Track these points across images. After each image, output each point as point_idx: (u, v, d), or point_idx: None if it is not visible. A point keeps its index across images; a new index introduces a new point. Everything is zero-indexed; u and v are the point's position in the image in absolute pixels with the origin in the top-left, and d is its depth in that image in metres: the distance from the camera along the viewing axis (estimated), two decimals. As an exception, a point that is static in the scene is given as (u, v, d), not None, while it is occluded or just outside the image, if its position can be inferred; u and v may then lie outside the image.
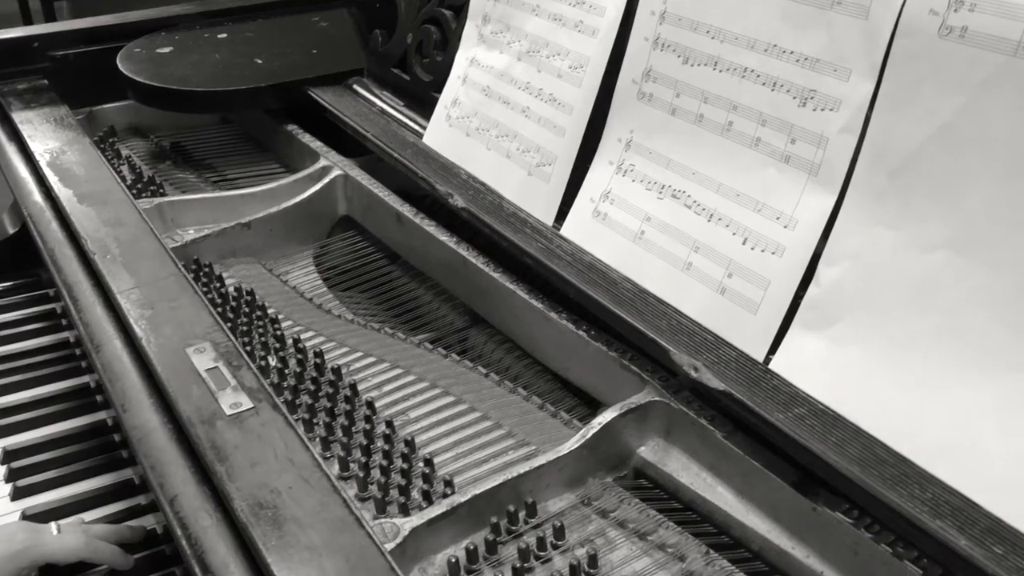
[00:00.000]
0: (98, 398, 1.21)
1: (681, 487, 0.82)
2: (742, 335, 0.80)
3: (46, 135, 1.23)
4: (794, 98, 0.80)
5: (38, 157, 1.17)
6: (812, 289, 0.77)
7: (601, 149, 0.96)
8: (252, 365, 0.80)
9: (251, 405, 0.76)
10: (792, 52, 0.80)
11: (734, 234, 0.83)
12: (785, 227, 0.79)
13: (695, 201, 0.86)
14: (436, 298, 1.13)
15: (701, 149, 0.87)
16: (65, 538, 0.93)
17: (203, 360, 0.81)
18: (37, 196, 1.14)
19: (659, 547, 0.77)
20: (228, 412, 0.75)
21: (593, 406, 0.95)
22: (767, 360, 0.79)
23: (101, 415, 1.19)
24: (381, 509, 0.80)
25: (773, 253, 0.80)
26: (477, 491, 0.77)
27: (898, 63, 0.72)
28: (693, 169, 0.87)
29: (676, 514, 0.80)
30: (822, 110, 0.77)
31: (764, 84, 0.82)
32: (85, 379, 1.25)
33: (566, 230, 0.97)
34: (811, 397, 0.74)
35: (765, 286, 0.80)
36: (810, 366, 0.75)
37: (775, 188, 0.80)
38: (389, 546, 0.71)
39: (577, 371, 0.94)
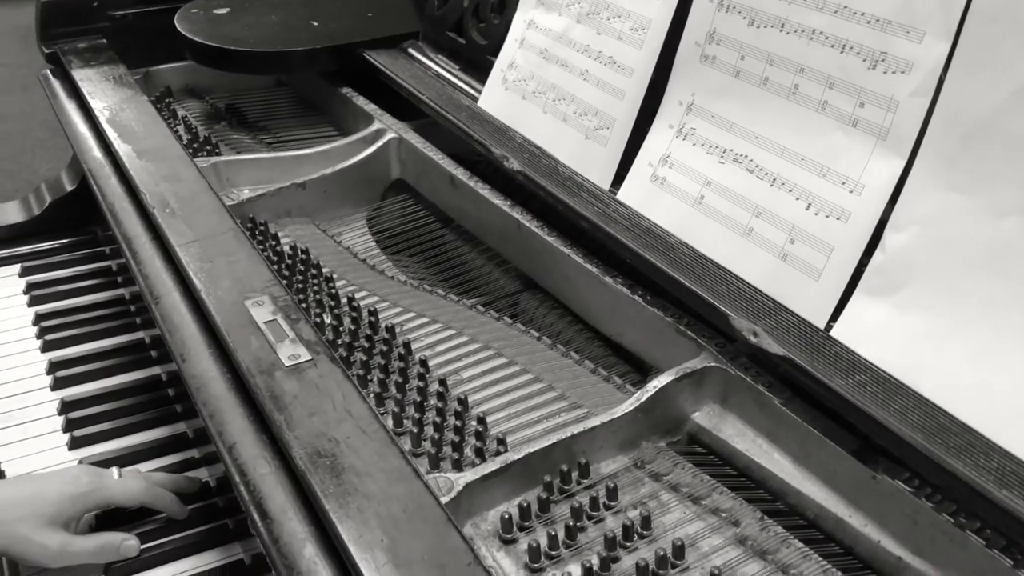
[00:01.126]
0: (152, 353, 1.23)
1: (736, 453, 0.81)
2: (803, 302, 0.79)
3: (105, 92, 1.25)
4: (864, 60, 0.78)
5: (97, 114, 1.19)
6: (877, 255, 0.75)
7: (661, 112, 0.95)
8: (309, 319, 0.81)
9: (309, 357, 0.76)
10: (863, 13, 0.78)
11: (797, 199, 0.81)
12: (851, 192, 0.78)
13: (757, 166, 0.85)
14: (488, 262, 1.13)
15: (765, 113, 0.85)
16: (127, 482, 0.95)
17: (262, 313, 0.81)
18: (97, 152, 1.15)
19: (712, 512, 0.76)
20: (287, 363, 0.76)
21: (644, 373, 0.94)
22: (828, 327, 0.78)
23: (155, 370, 1.21)
24: (434, 465, 0.81)
25: (838, 219, 0.78)
26: (531, 450, 0.77)
27: (976, 24, 0.70)
28: (756, 133, 0.86)
29: (730, 480, 0.80)
30: (893, 73, 0.76)
31: (833, 46, 0.80)
32: (140, 335, 1.27)
33: (623, 194, 0.96)
34: (873, 364, 0.73)
35: (828, 252, 0.78)
36: (873, 333, 0.74)
37: (841, 152, 0.79)
38: (443, 500, 0.71)
39: (631, 336, 0.93)
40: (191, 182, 1.03)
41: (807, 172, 0.81)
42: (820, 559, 0.72)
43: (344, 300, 1.01)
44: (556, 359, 0.94)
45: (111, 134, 1.13)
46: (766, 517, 0.75)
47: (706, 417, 0.84)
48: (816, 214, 0.80)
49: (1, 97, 4.37)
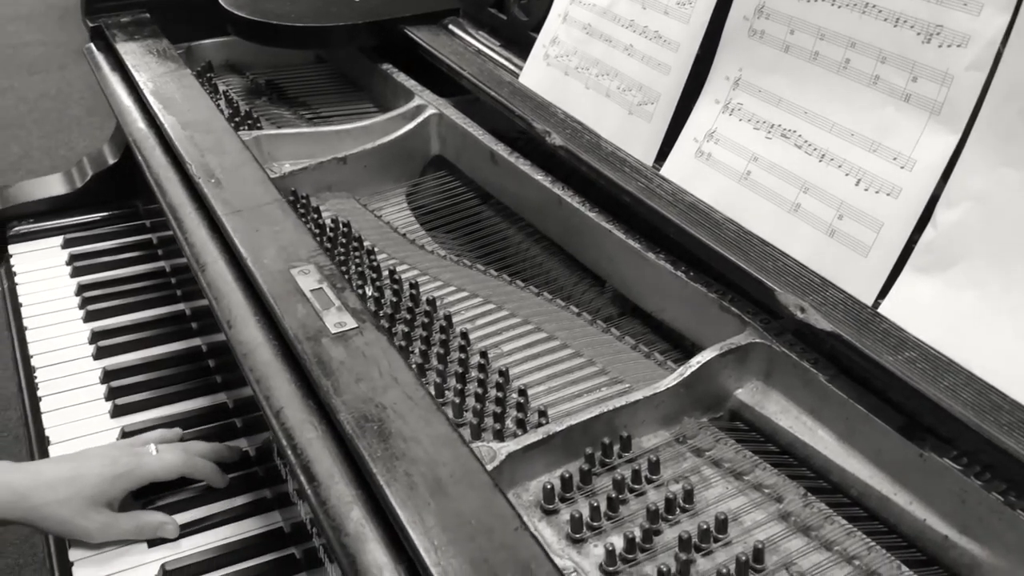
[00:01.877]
0: (193, 325, 1.24)
1: (779, 430, 0.80)
2: (851, 278, 0.78)
3: (149, 65, 1.26)
4: (918, 34, 0.77)
5: (141, 86, 1.19)
6: (928, 232, 0.74)
7: (707, 87, 0.94)
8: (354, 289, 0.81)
9: (355, 325, 0.77)
10: (918, -13, 0.77)
11: (847, 175, 0.80)
12: (902, 168, 0.77)
13: (806, 141, 0.84)
14: (527, 239, 1.13)
15: (814, 87, 0.84)
16: (165, 457, 0.96)
17: (307, 281, 0.82)
18: (141, 123, 1.16)
19: (755, 487, 0.76)
20: (333, 331, 0.76)
21: (683, 351, 0.94)
22: (876, 304, 0.77)
23: (195, 341, 1.22)
24: (476, 435, 0.81)
25: (888, 194, 0.77)
26: (573, 422, 0.77)
27: (1036, -3, 0.69)
28: (805, 108, 0.85)
29: (772, 457, 0.79)
30: (948, 46, 0.74)
31: (886, 20, 0.79)
32: (180, 307, 1.28)
33: (667, 170, 0.96)
34: (922, 342, 0.72)
35: (878, 228, 0.77)
36: (923, 310, 0.73)
37: (893, 127, 0.78)
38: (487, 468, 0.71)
39: (673, 313, 0.93)
40: (235, 154, 1.03)
41: (857, 147, 0.80)
42: (864, 536, 0.71)
43: (385, 273, 1.02)
44: (596, 335, 0.94)
45: (155, 106, 1.14)
46: (809, 494, 0.75)
47: (749, 394, 0.83)
48: (866, 190, 0.79)
49: (39, 76, 4.42)
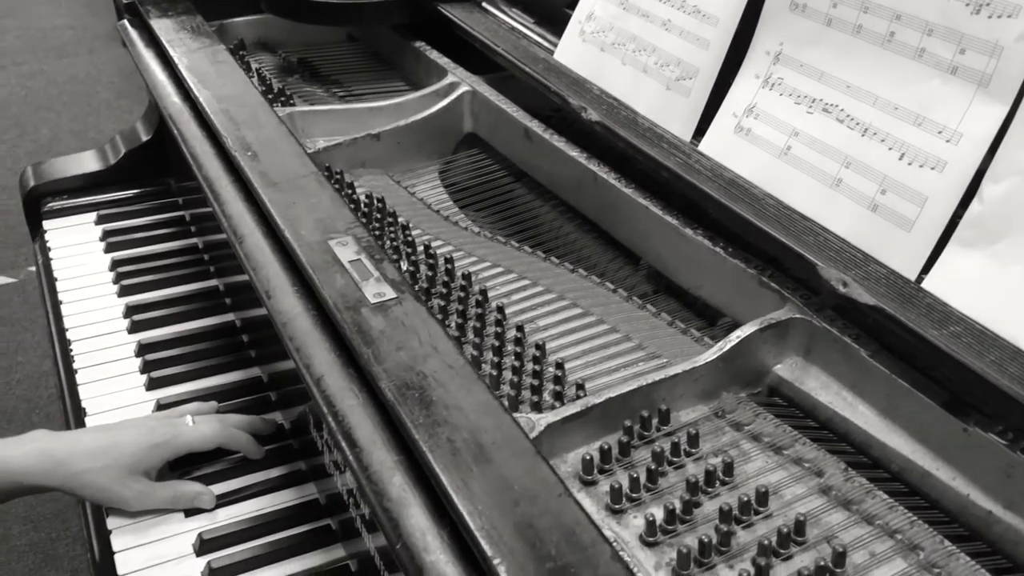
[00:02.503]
0: (226, 300, 1.24)
1: (819, 405, 0.80)
2: (894, 253, 0.78)
3: (183, 41, 1.26)
4: (967, 5, 0.76)
5: (176, 61, 1.20)
6: (974, 206, 0.73)
7: (747, 62, 0.93)
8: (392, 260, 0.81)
9: (394, 295, 0.77)
10: (967, -43, 0.76)
11: (890, 149, 0.80)
12: (947, 141, 0.76)
13: (848, 115, 0.83)
14: (560, 216, 1.13)
15: (857, 61, 0.83)
16: (202, 427, 0.97)
17: (346, 252, 0.82)
18: (176, 98, 1.17)
19: (795, 461, 0.76)
20: (372, 301, 0.76)
21: (720, 329, 0.93)
22: (919, 279, 0.76)
23: (228, 317, 1.22)
24: (514, 407, 0.81)
25: (932, 168, 0.76)
26: (611, 394, 0.77)
27: (1090, -34, 0.68)
28: (848, 82, 0.84)
29: (811, 432, 0.79)
30: (998, 17, 0.73)
31: (933, -9, 0.78)
32: (213, 282, 1.29)
33: (705, 146, 0.95)
34: (967, 316, 0.71)
35: (922, 203, 0.76)
36: (968, 285, 0.72)
37: (938, 101, 0.77)
38: (526, 439, 0.71)
39: (710, 289, 0.92)
40: (271, 128, 1.03)
41: (901, 121, 0.79)
42: (906, 511, 0.71)
43: (420, 248, 1.02)
44: (632, 311, 0.94)
45: (190, 80, 1.14)
46: (849, 469, 0.74)
47: (788, 369, 0.83)
48: (909, 164, 0.78)
49: (68, 59, 4.45)
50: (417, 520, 0.61)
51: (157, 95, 1.18)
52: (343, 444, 0.67)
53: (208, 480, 0.97)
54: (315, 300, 0.80)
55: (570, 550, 0.55)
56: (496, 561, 0.54)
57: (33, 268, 2.95)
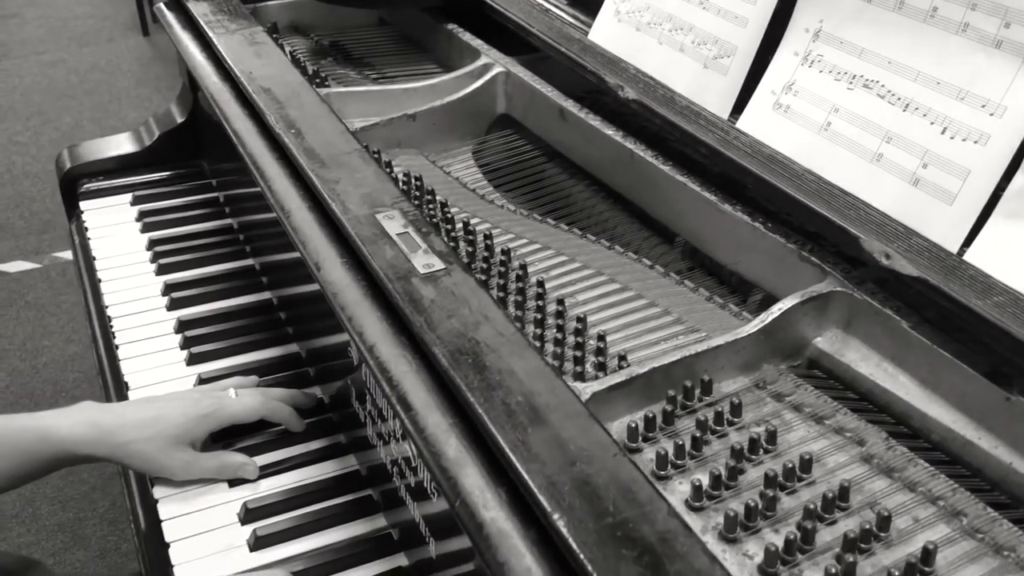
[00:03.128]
0: (263, 279, 1.26)
1: (859, 377, 0.81)
2: (935, 226, 0.79)
3: (221, 22, 1.27)
4: (1011, -19, 0.76)
5: (216, 42, 1.21)
6: (1018, 178, 0.74)
7: (786, 40, 0.94)
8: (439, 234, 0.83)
9: (443, 266, 0.78)
10: (1011, -67, 0.77)
11: (932, 123, 0.80)
12: (991, 115, 0.77)
13: (889, 91, 0.84)
14: (594, 195, 1.14)
15: (898, 37, 0.84)
16: (245, 400, 0.99)
17: (393, 225, 0.84)
18: (216, 78, 1.18)
19: (836, 431, 0.77)
20: (422, 271, 0.78)
21: (757, 306, 0.94)
22: (961, 252, 0.77)
23: (265, 295, 1.24)
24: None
25: (975, 142, 0.77)
26: (655, 364, 0.78)
27: None
28: (889, 58, 0.85)
29: (851, 403, 0.80)
30: (1043, -8, 0.74)
31: (976, -33, 0.79)
32: (249, 262, 1.31)
33: (743, 123, 0.96)
34: (1010, 287, 0.72)
35: (964, 176, 0.77)
36: (1011, 256, 0.73)
37: (982, 75, 0.78)
38: (574, 406, 0.72)
39: (749, 264, 0.93)
40: (312, 106, 1.05)
41: (943, 96, 0.80)
42: (947, 479, 0.72)
43: (459, 225, 1.03)
44: (670, 286, 0.95)
45: (231, 61, 1.15)
46: (891, 438, 0.75)
47: (828, 342, 0.84)
48: (952, 138, 0.79)
49: (89, 48, 4.48)
50: (474, 479, 0.62)
51: (198, 76, 1.19)
52: (398, 408, 0.69)
53: (250, 452, 0.99)
54: (364, 272, 0.81)
55: (628, 506, 0.56)
56: (556, 516, 0.55)
57: (57, 254, 2.99)
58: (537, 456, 0.60)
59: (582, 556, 0.53)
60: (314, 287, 0.99)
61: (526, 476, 0.58)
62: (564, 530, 0.54)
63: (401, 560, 0.88)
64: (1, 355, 2.54)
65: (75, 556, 2.03)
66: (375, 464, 0.92)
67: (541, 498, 0.57)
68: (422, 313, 0.73)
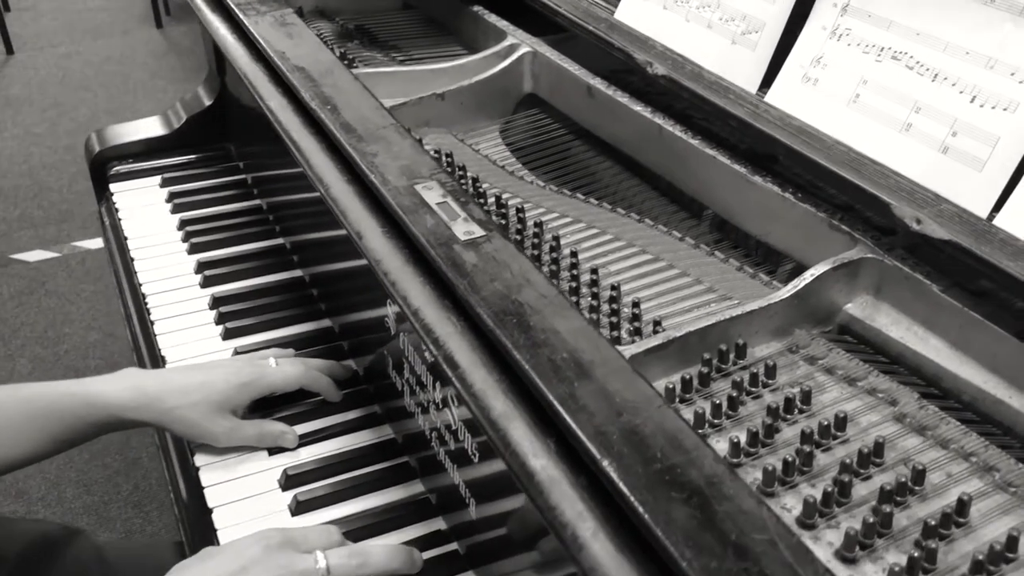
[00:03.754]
0: (294, 257, 1.28)
1: (889, 341, 0.83)
2: (965, 193, 0.80)
3: (252, 5, 1.29)
4: (1039, -49, 0.78)
5: (248, 23, 1.23)
6: (1047, 144, 0.76)
7: (813, 14, 0.96)
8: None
9: (484, 233, 0.80)
10: (1039, -96, 0.78)
11: (961, 92, 0.82)
12: (1021, 82, 0.78)
13: (918, 62, 0.86)
14: (622, 172, 1.15)
15: (927, 9, 0.86)
16: (286, 368, 1.01)
17: (432, 196, 0.86)
18: (248, 58, 1.20)
19: (869, 392, 0.79)
20: (462, 238, 0.80)
21: (786, 276, 0.96)
22: (991, 217, 0.79)
23: (297, 272, 1.27)
24: (595, 342, 0.84)
25: (1005, 109, 0.79)
26: (690, 328, 0.80)
27: None
28: (917, 30, 0.86)
29: (882, 366, 0.82)
30: (1071, -39, 0.76)
31: (1005, -62, 0.80)
32: (280, 241, 1.33)
33: (772, 97, 0.98)
34: (1040, 251, 0.74)
35: (994, 143, 0.79)
36: (1041, 220, 0.75)
37: (1011, 43, 0.79)
38: (614, 367, 0.74)
39: (779, 235, 0.95)
40: (346, 83, 1.07)
41: (972, 65, 0.82)
42: (979, 436, 0.73)
43: (492, 199, 1.05)
44: (700, 257, 0.97)
45: (263, 42, 1.17)
46: (923, 398, 0.77)
47: (859, 308, 0.85)
48: (981, 106, 0.80)
49: (103, 41, 4.51)
50: (523, 431, 0.64)
51: (231, 57, 1.21)
52: (445, 367, 0.71)
53: (289, 421, 1.01)
54: (404, 240, 0.83)
55: (675, 453, 0.58)
56: (606, 463, 0.57)
57: (76, 243, 3.02)
58: (585, 408, 0.61)
59: (633, 499, 0.55)
60: (348, 264, 1.02)
61: (575, 426, 0.60)
62: (614, 475, 0.56)
63: (439, 524, 0.91)
64: (23, 342, 2.57)
65: (101, 539, 2.06)
66: (412, 432, 0.95)
67: (591, 446, 0.59)
68: (465, 277, 0.75)
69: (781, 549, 0.52)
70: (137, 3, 4.90)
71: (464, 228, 0.81)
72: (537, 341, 0.68)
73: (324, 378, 1.02)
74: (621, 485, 0.56)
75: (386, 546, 0.83)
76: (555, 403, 0.62)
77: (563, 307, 0.72)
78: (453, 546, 0.88)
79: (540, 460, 0.62)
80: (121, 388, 0.95)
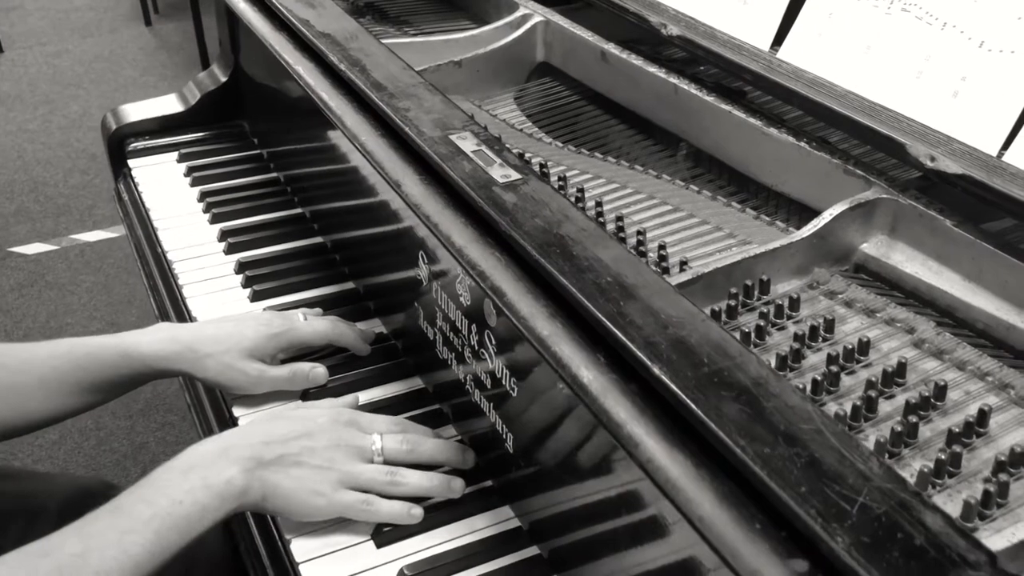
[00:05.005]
0: (315, 226, 1.32)
1: (904, 277, 0.87)
2: (975, 132, 0.85)
3: (271, -21, 1.32)
4: (1041, -97, 0.82)
5: (269, -4, 1.26)
6: (1052, 83, 0.80)
7: (824, -27, 1.00)
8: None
9: (520, 176, 0.84)
10: None
11: (969, 39, 0.87)
12: (1026, 27, 0.83)
13: (927, 12, 0.90)
14: (637, 133, 1.19)
15: (934, -37, 0.90)
16: (314, 323, 1.04)
17: (467, 144, 0.89)
18: (270, 28, 1.23)
19: (887, 322, 0.83)
20: (500, 181, 0.83)
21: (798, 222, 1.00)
22: (1000, 154, 0.83)
23: (318, 239, 1.30)
24: (626, 281, 0.88)
25: (1012, 52, 0.83)
26: (717, 265, 0.84)
27: None
28: (925, -18, 0.91)
29: (898, 300, 0.86)
30: (1073, -89, 0.80)
31: None
32: (299, 211, 1.36)
33: (784, 53, 1.02)
34: (1049, 183, 0.79)
35: (1001, 85, 0.83)
36: (1048, 154, 0.79)
37: (1016, -9, 0.84)
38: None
39: (794, 183, 0.99)
40: (372, 47, 1.10)
41: (980, 10, 0.86)
42: (993, 358, 0.78)
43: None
44: (719, 207, 1.01)
45: (286, 11, 1.21)
46: (939, 325, 0.82)
47: (874, 247, 0.90)
48: (989, 51, 0.85)
49: (92, 39, 4.51)
50: (572, 348, 0.68)
51: (255, 28, 1.24)
52: (492, 297, 0.75)
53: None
54: (443, 185, 0.87)
55: (721, 358, 0.62)
56: (657, 368, 0.61)
57: (74, 236, 3.04)
58: (632, 322, 0.65)
59: (686, 397, 0.59)
60: (375, 227, 1.06)
61: (624, 338, 0.64)
62: (666, 378, 0.60)
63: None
64: (25, 333, 2.59)
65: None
66: (444, 382, 0.98)
67: (641, 354, 0.62)
68: (507, 214, 0.78)
69: (828, 436, 0.56)
70: (124, 2, 4.91)
71: (501, 172, 0.85)
72: (582, 267, 0.71)
73: (352, 333, 1.05)
74: (673, 386, 0.60)
75: (438, 440, 0.90)
76: (603, 319, 0.66)
77: (603, 239, 0.76)
78: (488, 483, 0.91)
79: (591, 372, 0.65)
80: (156, 339, 0.98)
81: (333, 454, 0.84)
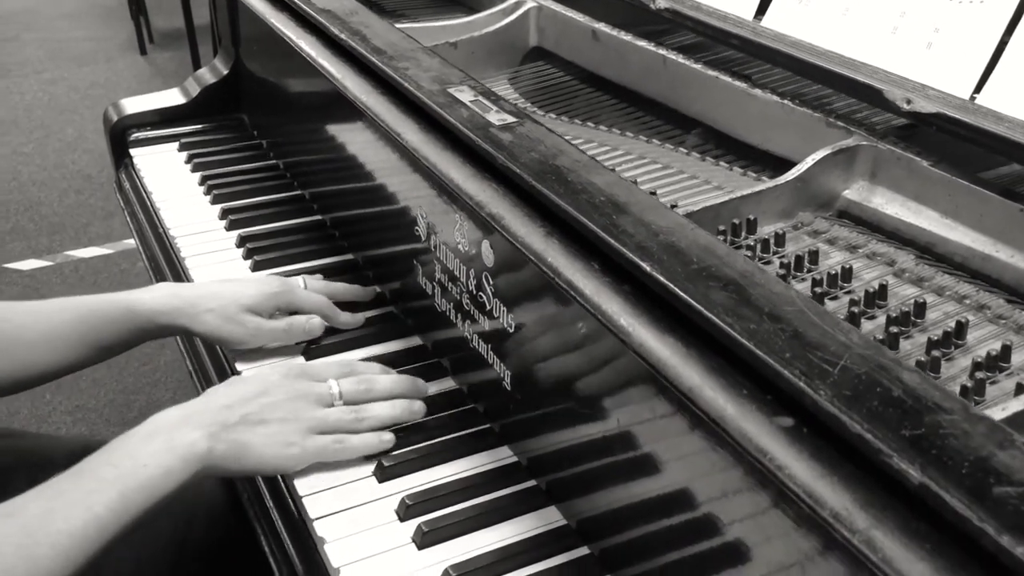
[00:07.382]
0: (314, 206, 1.35)
1: (885, 219, 0.91)
2: (948, 79, 0.89)
3: (271, -31, 1.37)
4: None
5: (270, -18, 1.31)
6: (1017, 32, 0.85)
7: (804, -57, 1.05)
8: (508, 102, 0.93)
9: (516, 119, 0.88)
10: None
11: (941, -7, 0.91)
12: (993, -23, 0.87)
13: (901, -28, 0.95)
14: (629, 106, 1.24)
15: (907, -73, 0.95)
16: (311, 295, 1.07)
17: (465, 96, 0.93)
18: (273, 9, 1.28)
19: (869, 256, 0.87)
20: (497, 124, 0.87)
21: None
22: (972, 98, 0.87)
23: (318, 217, 1.33)
24: (618, 224, 0.91)
25: (982, 2, 0.88)
26: (706, 204, 0.88)
27: None
28: (899, -55, 0.96)
29: (879, 239, 0.90)
30: None
31: None
32: (298, 192, 1.40)
33: (768, 21, 1.07)
34: (1019, 119, 0.83)
35: (971, 34, 0.88)
36: (1018, 97, 0.84)
37: (984, -54, 0.89)
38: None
39: (779, 140, 1.03)
40: (372, 19, 1.15)
41: (950, -31, 0.91)
42: (970, 282, 0.81)
43: (509, 123, 1.13)
44: (708, 166, 1.05)
45: (289, -6, 1.25)
46: (919, 257, 0.85)
47: (856, 192, 0.94)
48: (960, 2, 0.90)
49: (88, 68, 4.58)
50: (565, 260, 0.71)
51: (256, 10, 1.29)
52: (491, 223, 0.78)
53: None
54: (441, 132, 0.91)
55: (709, 257, 0.65)
56: (648, 266, 0.65)
57: (69, 252, 3.06)
58: (624, 231, 0.69)
59: (676, 288, 0.62)
60: (374, 206, 1.09)
61: (616, 243, 0.67)
62: (658, 274, 0.64)
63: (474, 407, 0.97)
64: (21, 343, 2.59)
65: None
66: (443, 339, 1.01)
67: (634, 256, 0.66)
68: (503, 150, 0.82)
69: (810, 315, 0.59)
70: (120, 32, 4.98)
71: (498, 117, 0.89)
72: (576, 190, 0.75)
73: (345, 315, 1.08)
74: (664, 280, 0.63)
75: (390, 375, 0.95)
76: (597, 229, 0.69)
77: (597, 167, 0.79)
78: (487, 424, 0.94)
79: (586, 279, 0.69)
80: (158, 295, 1.01)
81: (295, 404, 0.86)
